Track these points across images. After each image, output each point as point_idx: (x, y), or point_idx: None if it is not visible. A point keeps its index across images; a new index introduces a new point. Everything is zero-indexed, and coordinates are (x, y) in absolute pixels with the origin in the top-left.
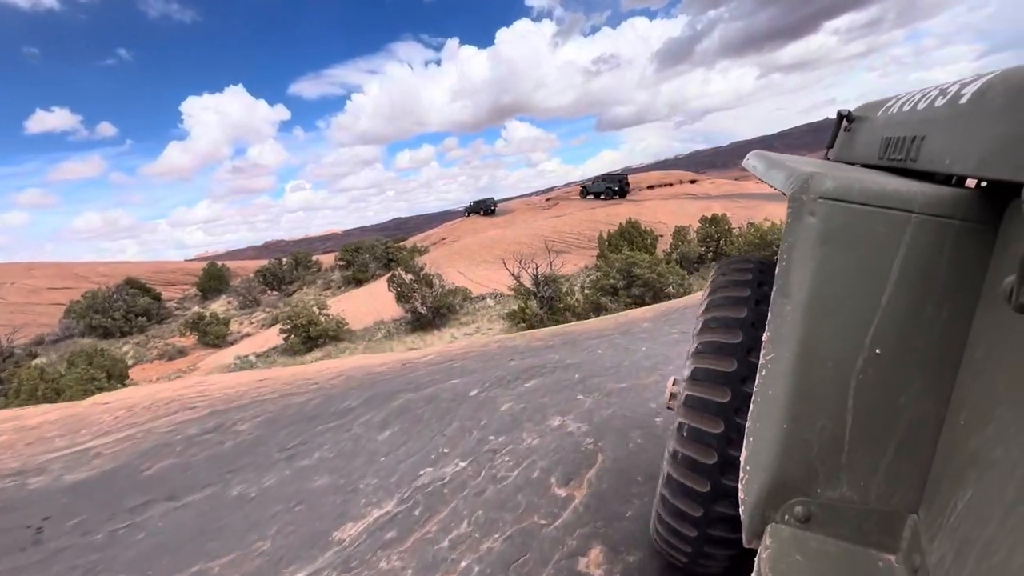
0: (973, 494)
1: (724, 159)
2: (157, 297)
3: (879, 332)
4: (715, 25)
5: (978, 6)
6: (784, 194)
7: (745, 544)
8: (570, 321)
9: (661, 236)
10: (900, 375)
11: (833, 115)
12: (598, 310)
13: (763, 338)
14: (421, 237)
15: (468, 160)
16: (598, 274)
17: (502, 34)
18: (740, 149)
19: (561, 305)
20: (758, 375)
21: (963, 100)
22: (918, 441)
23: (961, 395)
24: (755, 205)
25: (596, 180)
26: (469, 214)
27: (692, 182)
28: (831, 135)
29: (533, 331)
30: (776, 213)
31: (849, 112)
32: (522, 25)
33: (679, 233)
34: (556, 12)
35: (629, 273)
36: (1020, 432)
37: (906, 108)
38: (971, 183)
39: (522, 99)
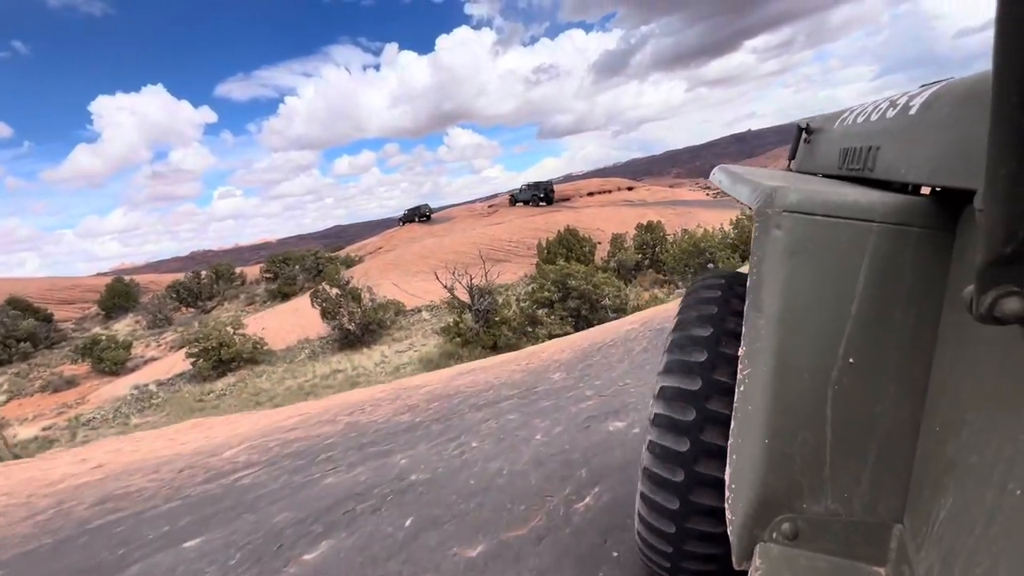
0: (954, 501)
1: (659, 167)
2: (47, 318)
3: (851, 341)
4: (647, 40)
5: (874, 33)
6: (750, 208)
7: (736, 566)
8: (506, 336)
9: (599, 243)
10: (874, 383)
11: (753, 127)
12: (534, 323)
13: (739, 353)
14: (357, 247)
15: (410, 166)
16: (534, 286)
17: (442, 41)
18: (673, 157)
19: (497, 318)
20: (737, 390)
21: (912, 111)
22: (897, 449)
23: (935, 400)
24: (688, 212)
25: (523, 188)
26: (404, 223)
27: (629, 189)
28: (792, 146)
29: (427, 378)
30: (708, 220)
31: (808, 124)
32: (462, 33)
33: (616, 240)
34: (496, 21)
35: (564, 285)
36: (993, 437)
37: (860, 120)
38: (927, 190)
39: (464, 106)
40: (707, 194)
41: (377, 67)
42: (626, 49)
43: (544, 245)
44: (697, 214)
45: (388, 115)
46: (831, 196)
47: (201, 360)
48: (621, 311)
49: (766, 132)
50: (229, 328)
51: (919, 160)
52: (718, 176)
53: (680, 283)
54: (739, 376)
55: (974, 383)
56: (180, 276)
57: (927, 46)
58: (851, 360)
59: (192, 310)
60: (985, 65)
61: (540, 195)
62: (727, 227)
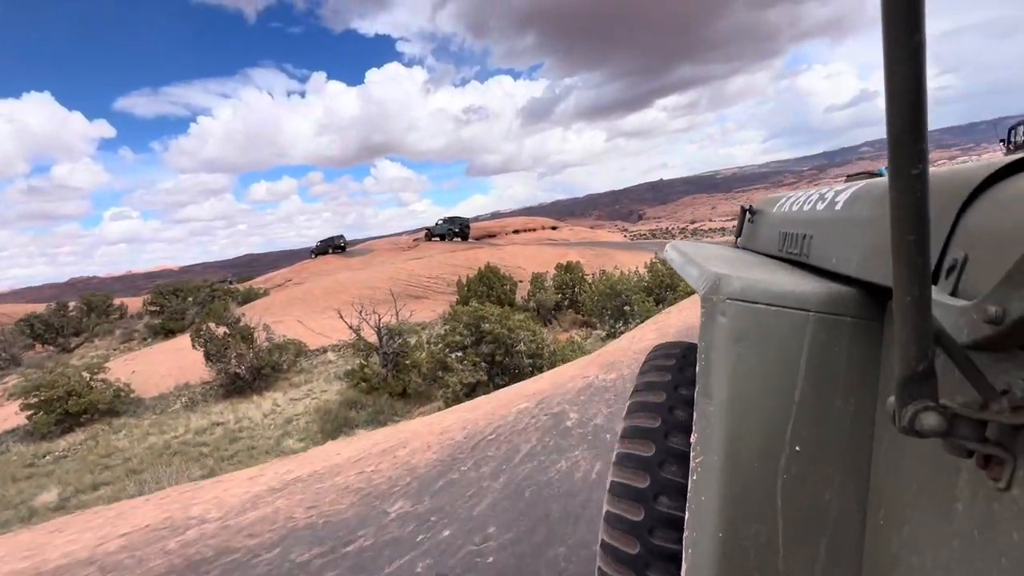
0: None
1: (581, 208)
2: None
3: (796, 429)
4: (571, 91)
5: (763, 103)
6: (698, 293)
7: None
8: (415, 383)
9: (521, 281)
10: (820, 472)
11: (665, 177)
12: (445, 369)
13: (691, 440)
14: (264, 279)
15: (334, 196)
16: (446, 328)
17: (373, 74)
18: (594, 200)
19: (408, 362)
20: (689, 480)
21: (838, 207)
22: (846, 540)
23: (876, 492)
24: (606, 253)
25: (440, 223)
26: (317, 255)
27: (553, 228)
28: (738, 225)
29: (219, 500)
30: (625, 261)
31: (751, 206)
32: (393, 68)
33: (537, 279)
34: (428, 61)
35: (478, 328)
36: (929, 539)
37: (795, 208)
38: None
39: (394, 139)
40: (625, 236)
41: (303, 94)
42: (552, 98)
43: (464, 283)
44: (615, 255)
45: (313, 143)
46: (771, 285)
47: (40, 413)
48: (537, 356)
49: (676, 182)
50: (85, 373)
51: (846, 253)
52: (671, 254)
53: (598, 325)
54: (692, 464)
55: (909, 478)
56: (43, 307)
57: (803, 118)
58: (797, 448)
59: (51, 348)
60: (847, 136)
61: (455, 230)
62: (642, 270)
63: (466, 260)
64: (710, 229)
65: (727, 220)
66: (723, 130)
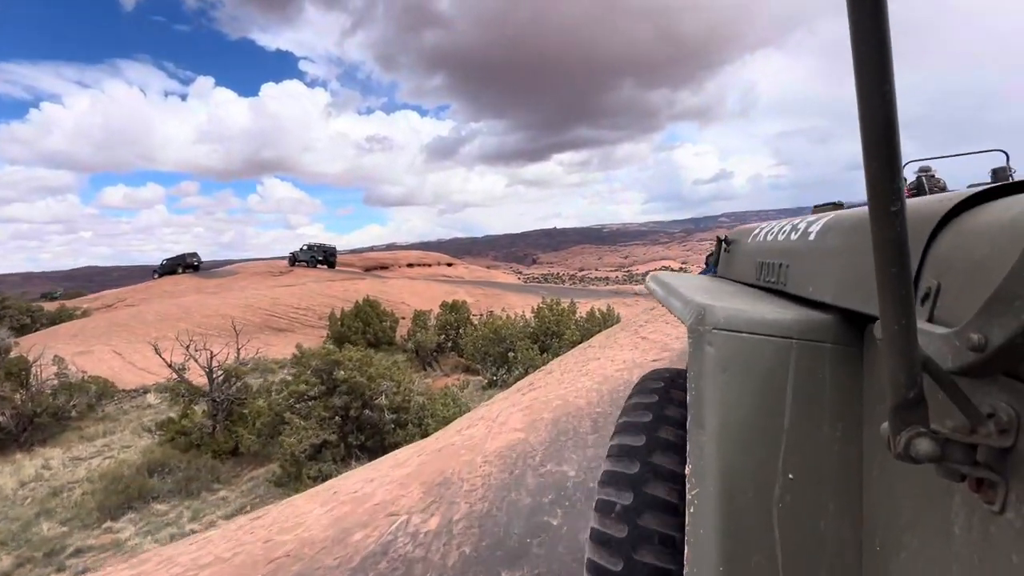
0: None
1: (479, 248)
2: None
3: (788, 456)
4: (476, 135)
5: (644, 169)
6: (683, 322)
7: None
8: (248, 440)
9: (403, 318)
10: (814, 499)
11: (559, 225)
12: (284, 425)
13: (686, 472)
14: (92, 297)
15: (210, 210)
16: (293, 373)
17: (269, 88)
18: (492, 241)
19: (247, 411)
20: (687, 511)
21: (811, 238)
22: (845, 568)
23: (871, 517)
24: (497, 294)
25: (304, 248)
26: (162, 274)
27: (449, 265)
28: (715, 255)
29: None
30: (516, 303)
31: (727, 236)
32: (293, 86)
33: (419, 317)
34: (332, 85)
35: (330, 375)
36: (929, 563)
37: (769, 238)
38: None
39: (287, 157)
40: (519, 278)
41: (184, 96)
42: (457, 139)
43: (338, 316)
44: (505, 297)
45: (190, 150)
46: (754, 314)
47: None
48: (402, 411)
49: (568, 231)
50: None
51: (821, 281)
52: (652, 285)
53: (481, 372)
54: (688, 496)
55: (903, 503)
56: None
57: (675, 187)
58: (790, 476)
59: None
60: (709, 206)
61: (319, 258)
62: (529, 314)
63: (344, 291)
64: (595, 277)
65: (611, 270)
66: (611, 189)
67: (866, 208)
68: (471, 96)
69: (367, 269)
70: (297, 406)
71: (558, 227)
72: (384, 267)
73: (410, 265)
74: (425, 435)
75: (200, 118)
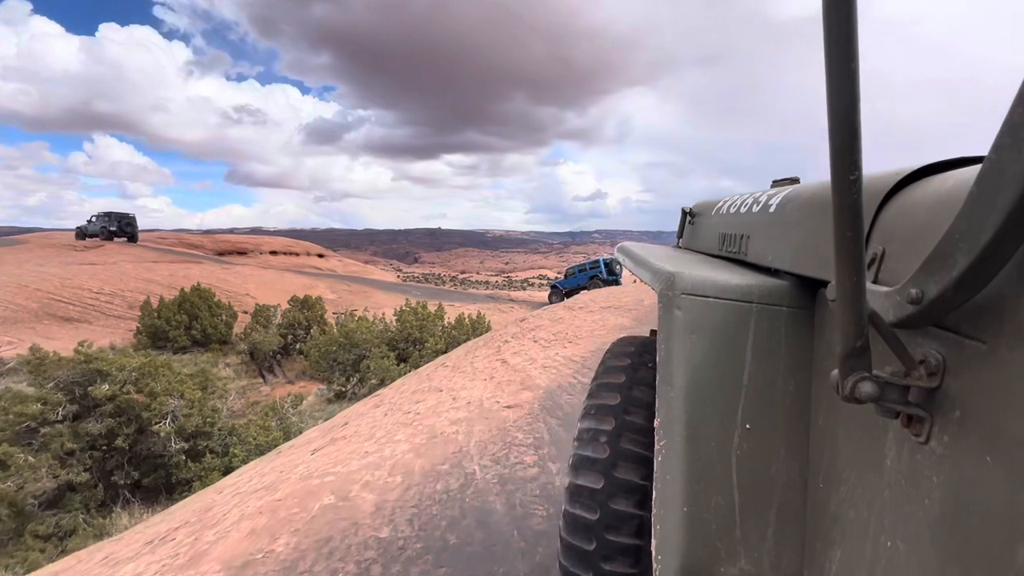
0: (841, 553)
1: (358, 241)
2: None
3: (746, 408)
4: (363, 123)
5: (529, 180)
6: (653, 290)
7: None
8: None
9: (246, 313)
10: (768, 446)
11: (443, 226)
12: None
13: (655, 425)
14: None
15: (14, 165)
16: (31, 384)
17: (111, 30)
18: (372, 235)
19: None
20: (655, 461)
21: (771, 210)
22: (793, 506)
23: (816, 459)
24: (365, 292)
25: (94, 219)
26: None
27: (320, 256)
28: (679, 227)
29: None
30: (383, 303)
31: (691, 209)
32: (144, 33)
33: (261, 314)
34: (195, 40)
35: (85, 391)
36: (864, 494)
37: (732, 210)
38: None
39: (128, 115)
40: (398, 276)
41: None
42: (342, 124)
43: (155, 306)
44: (373, 295)
45: None
46: (718, 280)
47: None
48: (201, 436)
49: (452, 233)
50: None
51: (779, 250)
52: (620, 255)
53: (330, 382)
54: (656, 447)
55: (843, 444)
56: None
57: (556, 200)
58: (748, 426)
59: None
60: (585, 222)
61: (112, 228)
62: (391, 318)
63: (170, 276)
64: (476, 280)
65: (492, 274)
66: (497, 195)
67: (820, 184)
68: (361, 81)
69: (220, 253)
70: (42, 431)
71: (443, 227)
72: (242, 252)
73: (274, 253)
74: (229, 468)
75: (6, 48)
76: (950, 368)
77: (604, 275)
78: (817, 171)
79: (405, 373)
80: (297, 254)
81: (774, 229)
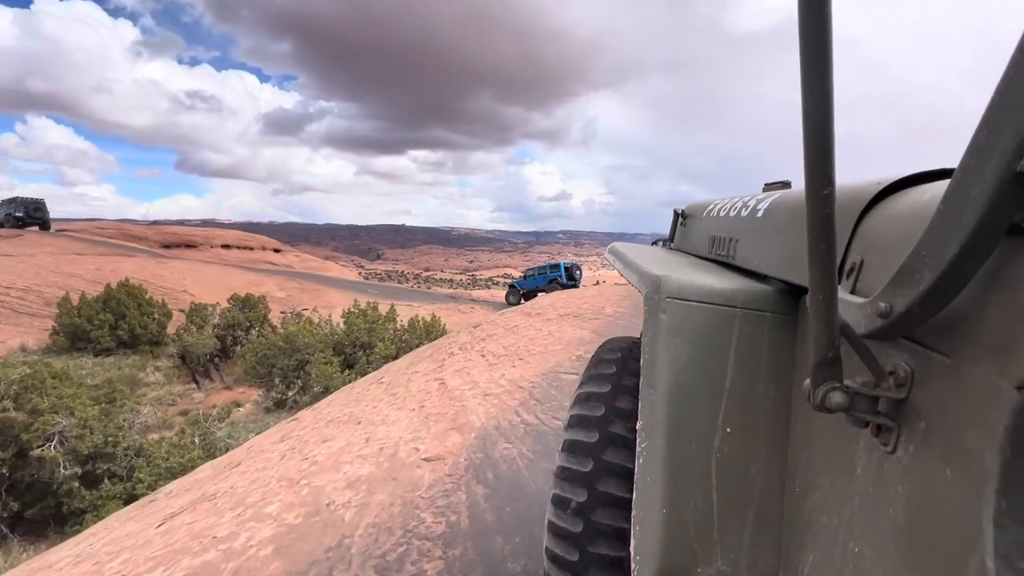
0: (814, 557)
1: (318, 236)
2: None
3: (727, 412)
4: (325, 115)
5: (495, 179)
6: (640, 292)
7: None
8: None
9: (183, 311)
10: (747, 449)
11: (407, 223)
12: None
13: (637, 427)
14: None
15: None
16: None
17: (48, 3)
18: (333, 230)
19: None
20: (636, 463)
21: (759, 215)
22: (769, 509)
23: (793, 465)
24: (318, 290)
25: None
26: None
27: (276, 251)
28: (671, 228)
29: None
30: (337, 302)
31: (683, 210)
32: (86, 8)
33: (197, 313)
34: (144, 20)
35: None
36: (836, 500)
37: (722, 213)
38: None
39: (67, 96)
40: (359, 272)
41: None
42: (303, 115)
43: (76, 303)
44: (326, 293)
45: None
46: (704, 284)
47: None
48: (101, 459)
49: (417, 230)
50: None
51: (765, 256)
52: (610, 256)
53: (269, 390)
54: (638, 448)
55: (819, 450)
56: None
57: (522, 200)
58: (728, 429)
59: None
60: (550, 222)
61: (18, 214)
62: (338, 319)
63: (96, 270)
64: (440, 279)
65: (456, 272)
66: (462, 193)
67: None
68: (323, 72)
69: (166, 246)
70: None
71: (407, 224)
72: (191, 246)
73: (226, 247)
74: (133, 496)
75: None
76: (918, 380)
77: (564, 279)
78: (769, 179)
79: (351, 381)
80: (252, 248)
81: (761, 234)
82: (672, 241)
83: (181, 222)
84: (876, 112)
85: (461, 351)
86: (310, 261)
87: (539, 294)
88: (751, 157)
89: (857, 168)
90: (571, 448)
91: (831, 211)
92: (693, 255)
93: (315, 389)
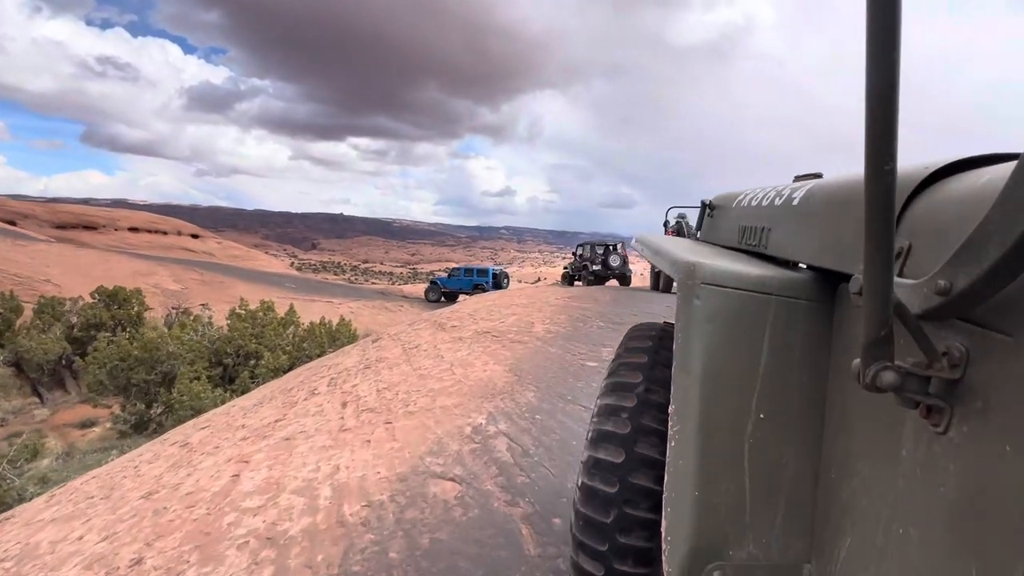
0: (851, 542)
1: (247, 222)
2: None
3: (761, 398)
4: (257, 94)
5: (439, 172)
6: (674, 278)
7: None
8: None
9: (29, 304)
10: (781, 435)
11: (346, 212)
12: None
13: (670, 411)
14: None
15: None
16: None
17: None
18: (264, 217)
19: None
20: (668, 446)
21: (794, 203)
22: (802, 495)
23: (829, 451)
24: (223, 282)
25: None
26: None
27: (195, 236)
28: (698, 220)
29: None
30: (245, 295)
31: (711, 201)
32: None
33: (49, 308)
34: None
35: None
36: (877, 484)
37: (753, 203)
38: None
39: None
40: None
41: None
42: (233, 92)
43: None
44: (234, 286)
45: None
46: (738, 271)
47: None
48: None
49: (356, 220)
50: None
51: (801, 244)
52: (638, 245)
53: (124, 409)
54: (670, 432)
55: (858, 436)
56: None
57: (465, 193)
58: (762, 415)
59: None
60: (493, 218)
61: None
62: (224, 320)
63: None
64: (379, 271)
65: (396, 265)
66: (405, 184)
67: (845, 178)
68: (256, 47)
69: (60, 226)
70: None
71: (345, 214)
72: (91, 227)
73: (134, 230)
74: None
75: None
76: (973, 360)
77: (489, 286)
78: (704, 185)
79: (227, 400)
80: (165, 233)
81: (797, 222)
82: (699, 232)
83: (87, 201)
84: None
85: (329, 389)
86: (233, 249)
87: (459, 296)
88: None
89: (776, 174)
90: (601, 438)
91: (892, 188)
92: (722, 246)
93: (182, 410)
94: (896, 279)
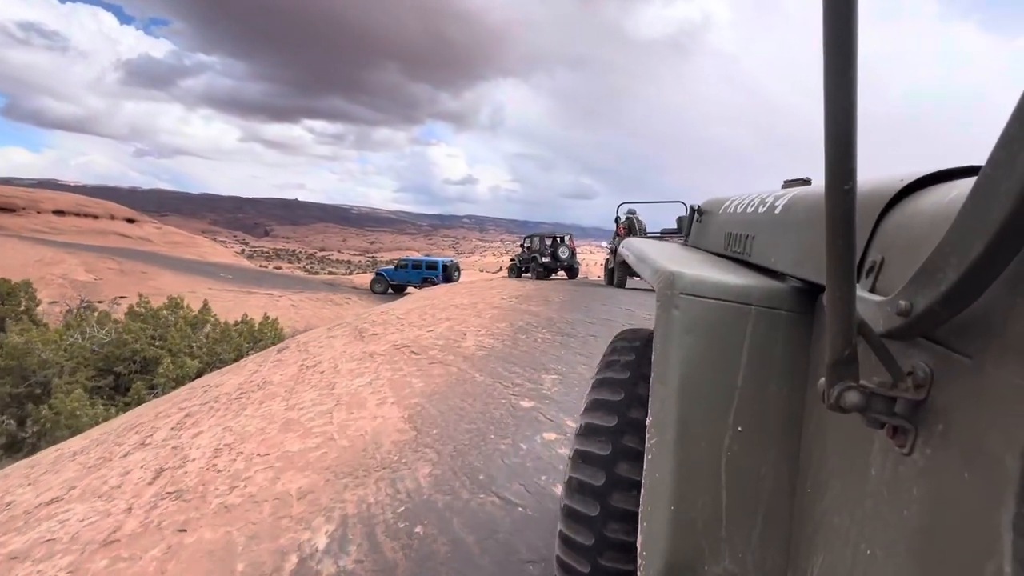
0: (824, 558)
1: (193, 207)
2: None
3: (739, 410)
4: (204, 70)
5: (400, 158)
6: (652, 288)
7: None
8: None
9: None
10: (758, 449)
11: (301, 198)
12: None
13: (647, 423)
14: None
15: None
16: None
17: None
18: (213, 202)
19: None
20: (645, 459)
21: (777, 211)
22: (779, 509)
23: (805, 465)
24: (145, 271)
25: None
26: None
27: (130, 221)
28: (687, 225)
29: None
30: (171, 287)
31: (699, 207)
32: None
33: None
34: None
35: None
36: (847, 502)
37: (739, 210)
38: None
39: None
40: (241, 250)
41: None
42: (177, 67)
43: None
44: (158, 277)
45: None
46: (718, 280)
47: None
48: None
49: (311, 206)
50: None
51: (783, 253)
52: (624, 251)
53: None
54: (647, 444)
55: (832, 451)
56: None
57: (427, 181)
58: (739, 428)
59: None
60: (455, 206)
61: None
62: (123, 318)
63: None
64: (337, 260)
65: (354, 254)
66: (364, 170)
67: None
68: (203, 20)
69: None
70: None
71: (300, 199)
72: (9, 210)
73: (60, 213)
74: None
75: None
76: (937, 381)
77: (439, 280)
78: (663, 179)
79: (112, 415)
80: (96, 216)
81: (779, 231)
82: (687, 238)
83: (9, 180)
84: (746, 123)
85: (160, 441)
86: (175, 235)
87: (407, 288)
88: (645, 156)
89: (731, 169)
90: (589, 432)
91: (851, 207)
92: (709, 252)
93: (58, 430)
94: (864, 295)
